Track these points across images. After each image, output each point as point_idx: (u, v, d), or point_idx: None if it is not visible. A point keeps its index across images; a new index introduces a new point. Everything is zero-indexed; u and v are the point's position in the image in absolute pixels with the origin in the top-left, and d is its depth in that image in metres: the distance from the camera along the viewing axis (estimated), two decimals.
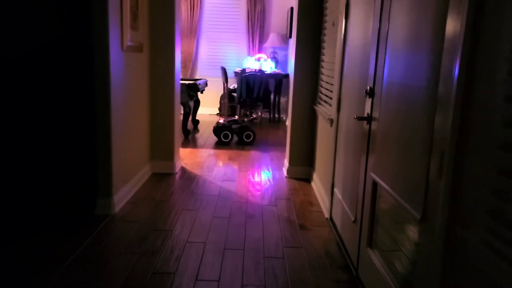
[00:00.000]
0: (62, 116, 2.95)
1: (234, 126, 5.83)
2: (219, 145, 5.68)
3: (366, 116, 2.25)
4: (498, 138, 1.05)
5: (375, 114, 2.12)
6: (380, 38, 2.09)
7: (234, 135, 5.82)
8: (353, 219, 2.46)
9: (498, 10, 1.08)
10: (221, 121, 6.01)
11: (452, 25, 1.28)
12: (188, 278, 2.31)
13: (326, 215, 3.28)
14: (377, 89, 2.11)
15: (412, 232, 1.63)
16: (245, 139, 5.79)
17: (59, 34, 2.90)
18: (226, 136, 5.74)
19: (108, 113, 3.05)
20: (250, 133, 5.78)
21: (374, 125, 2.14)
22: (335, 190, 3.04)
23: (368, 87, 2.22)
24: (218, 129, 5.82)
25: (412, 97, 1.63)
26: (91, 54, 2.95)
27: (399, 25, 1.83)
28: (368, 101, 2.23)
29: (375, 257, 2.07)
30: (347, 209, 2.64)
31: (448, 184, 1.29)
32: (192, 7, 8.05)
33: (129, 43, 3.35)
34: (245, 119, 7.50)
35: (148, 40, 4.00)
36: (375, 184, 2.08)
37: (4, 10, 2.79)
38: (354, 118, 2.38)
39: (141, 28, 3.69)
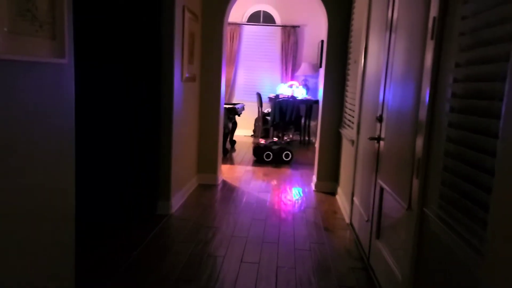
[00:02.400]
0: (136, 133, 3.72)
1: (274, 147, 6.49)
2: (258, 163, 6.35)
3: (376, 137, 2.88)
4: (444, 148, 1.68)
5: (383, 135, 2.75)
6: (387, 73, 2.74)
7: (274, 154, 6.45)
8: (366, 219, 3.07)
9: (445, 57, 1.72)
10: (262, 142, 6.71)
11: (428, 64, 1.91)
12: (235, 260, 2.97)
13: (347, 220, 3.87)
14: (384, 115, 2.75)
15: (404, 220, 2.24)
16: (284, 159, 6.43)
17: (138, 70, 3.70)
18: (268, 156, 6.41)
19: (171, 132, 3.80)
20: (289, 152, 6.43)
21: (382, 143, 2.76)
22: (354, 199, 3.65)
23: (379, 114, 2.86)
24: (259, 150, 6.50)
25: (404, 120, 2.27)
26: (159, 84, 3.72)
27: (399, 62, 2.48)
28: (378, 125, 2.86)
29: (381, 246, 2.66)
30: (362, 212, 3.25)
31: (421, 181, 1.91)
32: (232, 39, 8.91)
33: (187, 75, 4.12)
34: (282, 141, 8.16)
35: (200, 71, 4.78)
36: (381, 189, 2.69)
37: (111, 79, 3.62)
38: (368, 139, 3.01)
39: (195, 62, 4.48)
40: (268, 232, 3.56)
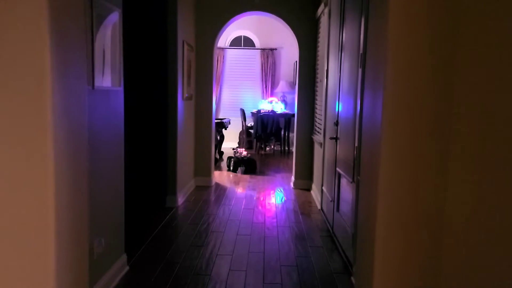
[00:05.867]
0: (149, 142, 4.65)
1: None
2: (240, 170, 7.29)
3: (335, 137, 3.89)
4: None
5: (339, 136, 3.75)
6: (339, 88, 3.75)
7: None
8: (330, 199, 4.05)
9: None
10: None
11: (359, 85, 2.92)
12: (232, 233, 3.90)
13: (319, 207, 4.85)
14: (339, 121, 3.76)
15: (350, 190, 3.22)
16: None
17: (152, 91, 4.65)
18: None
19: (175, 139, 4.74)
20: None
21: (338, 142, 3.77)
22: (323, 188, 4.63)
23: (335, 120, 3.87)
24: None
25: (348, 125, 3.27)
26: (166, 102, 4.68)
27: (345, 79, 3.50)
28: (335, 128, 3.87)
29: (339, 216, 3.64)
30: (328, 195, 4.23)
31: (357, 161, 2.91)
32: (217, 61, 9.93)
33: (186, 95, 5.09)
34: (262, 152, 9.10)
35: (195, 91, 5.75)
36: (339, 174, 3.69)
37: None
38: (329, 138, 4.02)
39: (191, 84, 5.45)
40: (256, 216, 4.51)
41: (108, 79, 2.65)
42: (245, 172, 6.98)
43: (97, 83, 2.43)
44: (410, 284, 1.93)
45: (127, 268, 3.04)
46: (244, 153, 7.48)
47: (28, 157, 1.52)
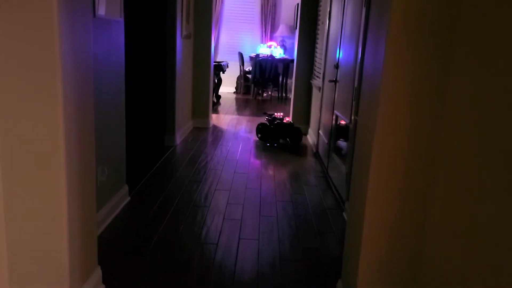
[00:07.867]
0: (148, 80, 4.63)
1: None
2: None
3: (334, 80, 3.90)
4: None
5: (338, 78, 3.77)
6: (342, 32, 3.72)
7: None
8: (326, 142, 4.13)
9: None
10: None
11: (361, 27, 2.90)
12: (230, 172, 4.01)
13: (314, 150, 4.95)
14: (339, 64, 3.76)
15: (347, 131, 3.29)
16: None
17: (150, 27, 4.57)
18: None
19: (174, 77, 4.72)
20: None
21: (337, 85, 3.79)
22: (320, 131, 4.71)
23: (336, 63, 3.87)
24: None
25: (348, 69, 3.28)
26: (164, 39, 4.61)
27: (348, 20, 3.46)
28: (335, 71, 3.88)
29: (335, 157, 3.73)
30: (324, 138, 4.31)
31: (356, 103, 2.95)
32: (216, 1, 9.65)
33: (185, 33, 5.01)
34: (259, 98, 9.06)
35: (193, 30, 5.66)
36: (336, 116, 3.74)
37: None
38: (329, 81, 4.03)
39: (190, 22, 5.35)
40: (254, 157, 4.61)
41: (109, 8, 2.61)
42: (289, 149, 5.01)
43: (99, 11, 2.40)
44: (401, 218, 2.04)
45: (128, 198, 3.16)
46: (286, 118, 5.41)
47: (38, 86, 1.53)
